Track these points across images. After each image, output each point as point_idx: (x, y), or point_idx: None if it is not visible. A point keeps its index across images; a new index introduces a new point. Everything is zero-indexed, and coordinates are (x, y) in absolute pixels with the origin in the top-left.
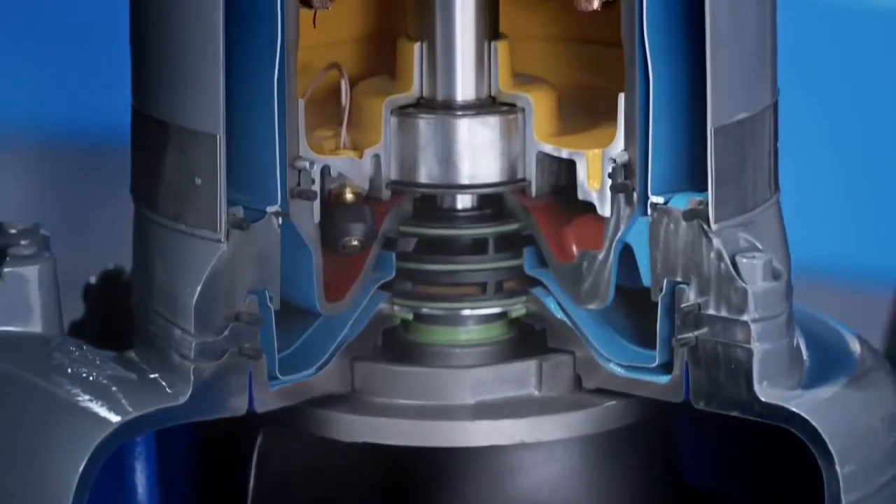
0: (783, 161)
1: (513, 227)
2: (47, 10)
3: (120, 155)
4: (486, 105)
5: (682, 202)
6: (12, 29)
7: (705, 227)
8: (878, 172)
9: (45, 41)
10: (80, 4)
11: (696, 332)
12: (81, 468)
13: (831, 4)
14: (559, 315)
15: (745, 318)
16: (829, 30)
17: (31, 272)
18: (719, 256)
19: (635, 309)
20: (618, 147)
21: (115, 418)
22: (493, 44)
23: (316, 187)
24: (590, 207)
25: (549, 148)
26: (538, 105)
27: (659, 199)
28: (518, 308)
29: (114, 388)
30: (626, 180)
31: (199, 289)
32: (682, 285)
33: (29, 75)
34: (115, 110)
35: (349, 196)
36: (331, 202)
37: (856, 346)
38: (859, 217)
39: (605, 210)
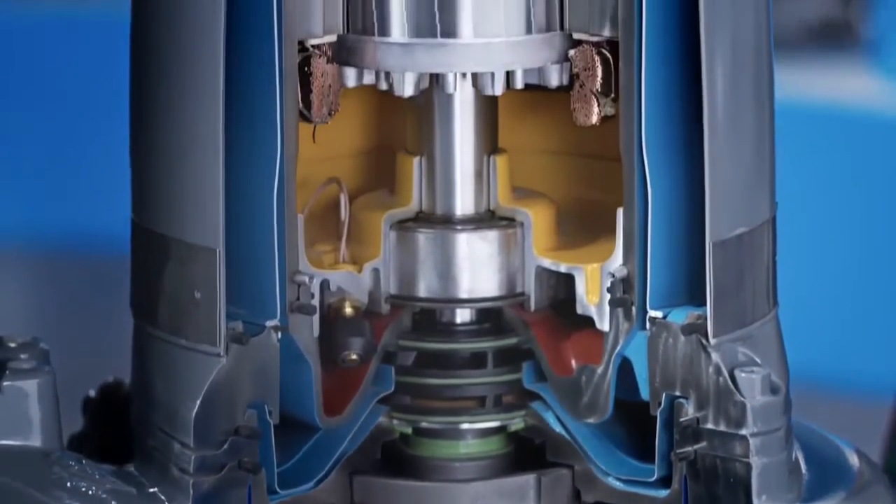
0: (781, 272)
1: (512, 340)
2: (46, 123)
3: (119, 266)
4: (485, 219)
5: (680, 316)
6: (12, 142)
7: (704, 341)
8: (875, 285)
9: (45, 154)
10: (79, 117)
11: (695, 446)
12: None
13: (827, 117)
14: (558, 429)
15: (743, 431)
16: (823, 142)
17: (31, 386)
18: (718, 371)
19: (634, 422)
20: (616, 261)
21: None
22: (492, 158)
23: (315, 301)
24: (588, 321)
25: (547, 262)
26: (537, 219)
27: (658, 314)
28: (517, 422)
29: (113, 503)
30: (624, 294)
31: (198, 403)
32: (680, 399)
33: (28, 187)
34: (114, 222)
35: (348, 310)
36: (330, 316)
37: (854, 460)
38: (856, 329)
39: (603, 324)
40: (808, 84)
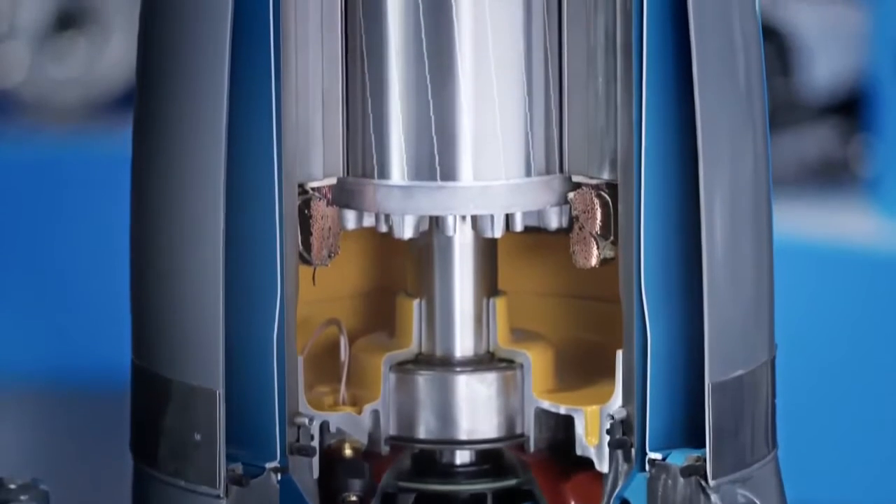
0: (781, 412)
1: (511, 482)
2: (46, 260)
3: (117, 404)
4: (484, 361)
5: (679, 458)
6: (9, 279)
7: (703, 483)
8: (875, 423)
9: (42, 291)
10: (76, 254)
11: None
12: None
13: (826, 256)
14: None
15: None
16: (822, 281)
17: None
18: None
19: None
20: (616, 403)
21: None
22: (491, 301)
23: (315, 443)
24: (588, 463)
25: (547, 404)
26: (536, 361)
27: (657, 456)
28: None
29: None
30: (624, 436)
31: None
32: None
33: (26, 325)
34: (112, 360)
35: (348, 451)
36: (330, 457)
37: None
38: (856, 468)
39: (603, 466)
40: (806, 222)
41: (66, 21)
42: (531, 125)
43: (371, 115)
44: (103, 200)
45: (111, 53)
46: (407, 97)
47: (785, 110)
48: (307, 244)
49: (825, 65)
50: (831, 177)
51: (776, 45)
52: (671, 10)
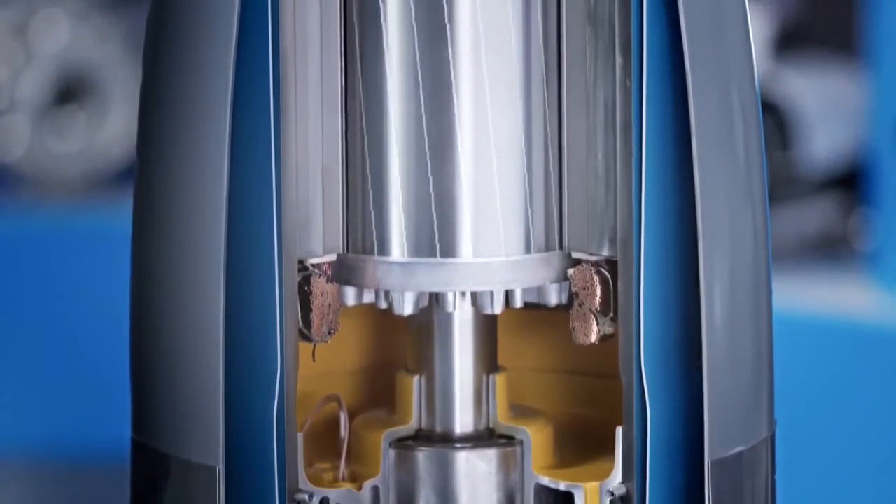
0: (781, 489)
1: None
2: (47, 334)
3: (118, 477)
4: (484, 438)
5: None
6: (12, 353)
7: None
8: (877, 495)
9: (45, 365)
10: (79, 329)
11: None
12: None
13: (825, 330)
14: None
15: None
16: (822, 355)
17: None
18: None
19: None
20: (615, 480)
21: None
22: (491, 377)
23: None
24: None
25: (546, 480)
26: (536, 437)
27: None
28: None
29: None
30: None
31: None
32: None
33: (27, 399)
34: (113, 434)
35: None
36: None
37: None
38: None
39: None
40: (806, 296)
41: (66, 95)
42: (531, 202)
43: (371, 192)
44: (104, 274)
45: (111, 127)
46: (407, 174)
47: (784, 184)
48: (307, 321)
49: (825, 139)
50: (831, 250)
51: (776, 119)
52: (671, 87)
